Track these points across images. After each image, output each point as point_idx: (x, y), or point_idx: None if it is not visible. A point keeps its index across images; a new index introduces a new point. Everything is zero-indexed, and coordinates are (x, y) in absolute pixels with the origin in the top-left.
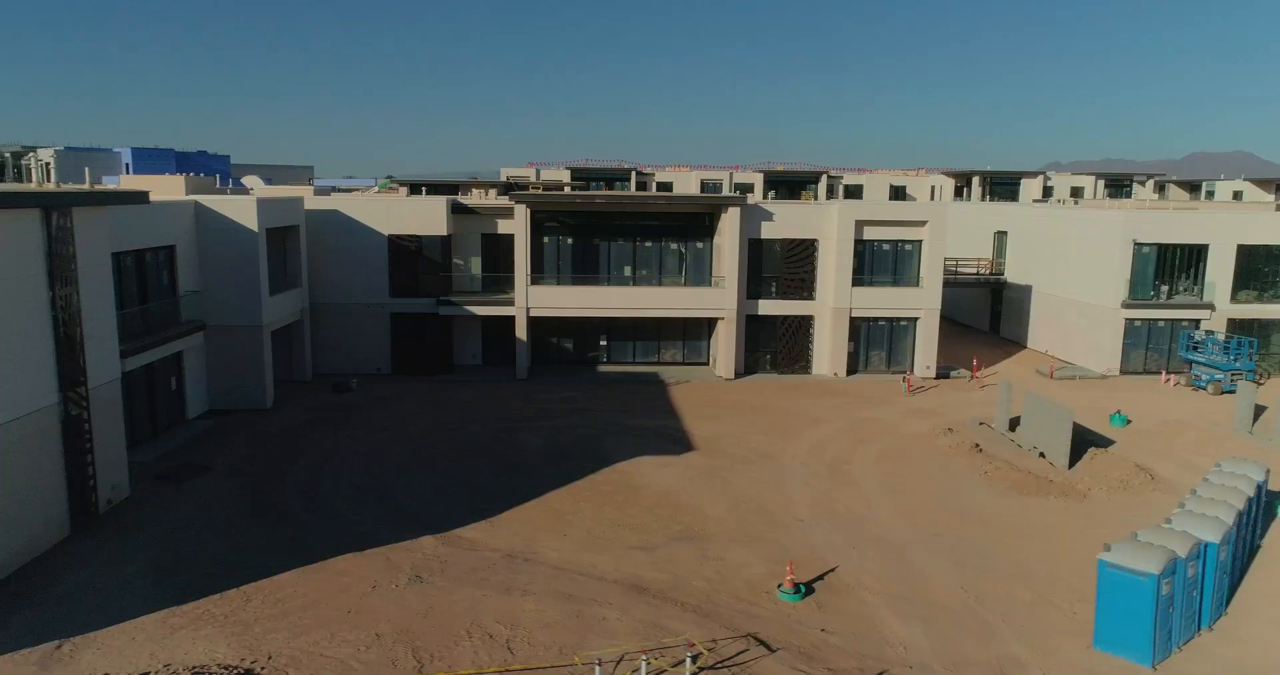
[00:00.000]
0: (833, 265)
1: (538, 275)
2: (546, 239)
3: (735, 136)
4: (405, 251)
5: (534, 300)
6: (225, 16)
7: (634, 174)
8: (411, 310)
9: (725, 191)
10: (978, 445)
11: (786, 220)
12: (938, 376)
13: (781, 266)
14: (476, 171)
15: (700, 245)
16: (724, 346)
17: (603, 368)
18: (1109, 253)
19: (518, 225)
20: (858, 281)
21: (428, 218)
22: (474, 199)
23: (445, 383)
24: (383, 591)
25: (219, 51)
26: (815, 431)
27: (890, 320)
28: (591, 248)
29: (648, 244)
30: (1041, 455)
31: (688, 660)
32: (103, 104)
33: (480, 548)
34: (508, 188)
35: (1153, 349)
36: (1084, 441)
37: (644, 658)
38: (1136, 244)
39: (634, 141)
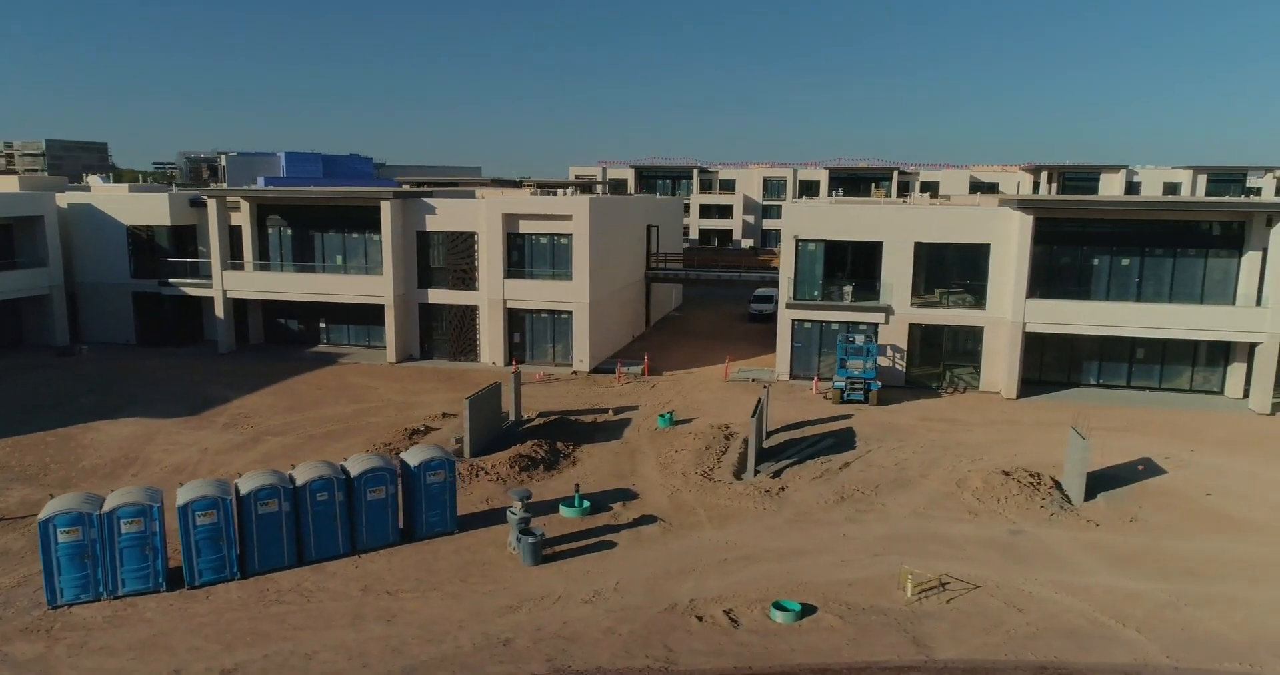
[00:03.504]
0: (487, 257)
1: (263, 262)
2: (271, 229)
3: (813, 134)
4: (140, 239)
5: (230, 284)
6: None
7: (696, 172)
8: (143, 290)
9: (789, 189)
10: (421, 429)
11: (447, 214)
12: (593, 371)
13: (446, 258)
14: (554, 171)
15: None
16: (388, 331)
17: (316, 348)
18: (787, 251)
19: (210, 216)
20: (515, 274)
21: (155, 210)
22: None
23: (165, 353)
24: None
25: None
26: (326, 410)
27: (552, 313)
28: (308, 238)
29: (354, 235)
30: (457, 441)
31: None
32: (292, 111)
33: None
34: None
35: (828, 354)
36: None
37: None
38: (800, 241)
39: (712, 140)
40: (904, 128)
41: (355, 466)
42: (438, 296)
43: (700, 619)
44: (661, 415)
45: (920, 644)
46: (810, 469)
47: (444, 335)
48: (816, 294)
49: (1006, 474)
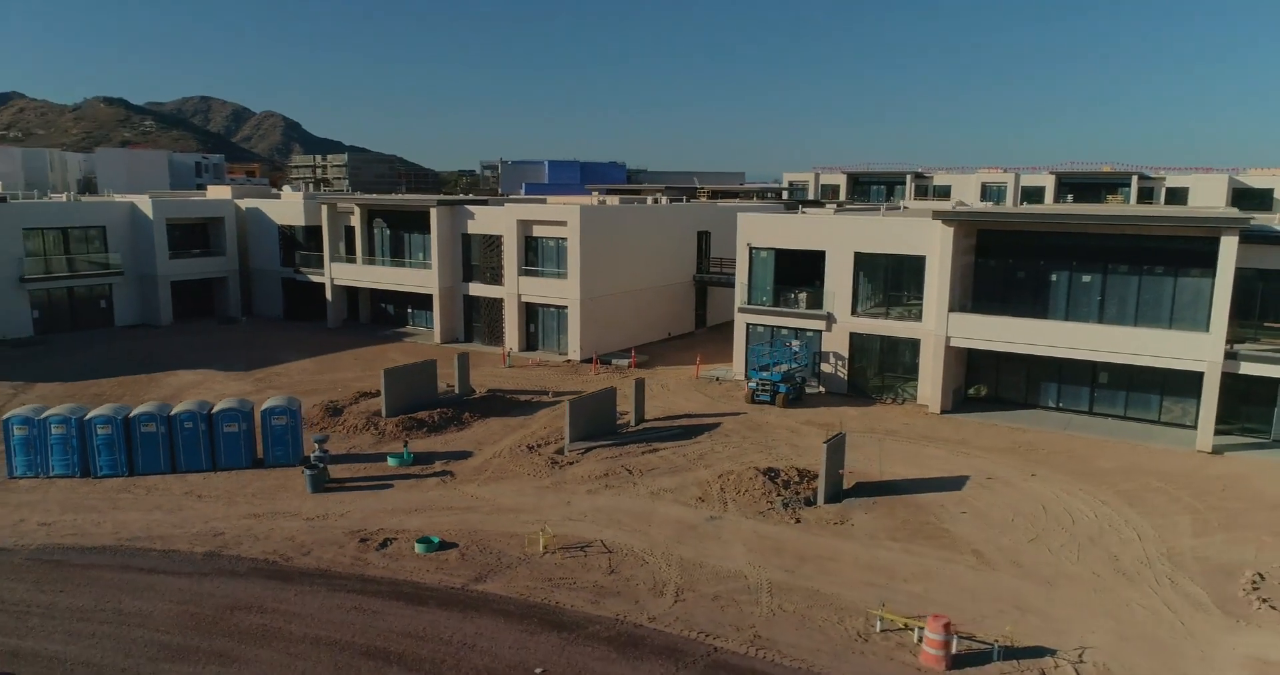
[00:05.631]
0: (509, 257)
1: (370, 257)
2: (375, 230)
3: (1044, 137)
4: (285, 235)
5: (335, 273)
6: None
7: (910, 177)
8: (287, 276)
9: (1009, 196)
10: (371, 392)
11: (482, 219)
12: (583, 361)
13: (481, 257)
14: (774, 174)
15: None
16: (435, 317)
17: (400, 328)
18: (741, 258)
19: (323, 218)
20: (529, 272)
21: (294, 212)
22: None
23: (292, 327)
24: None
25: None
26: (338, 375)
27: (558, 307)
28: (400, 237)
29: (429, 235)
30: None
31: None
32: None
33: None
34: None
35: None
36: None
37: None
38: (753, 248)
39: (943, 145)
40: (1153, 127)
41: (218, 406)
42: (476, 289)
43: (363, 541)
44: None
45: (481, 579)
46: (621, 450)
47: (479, 323)
48: (766, 299)
49: (769, 472)
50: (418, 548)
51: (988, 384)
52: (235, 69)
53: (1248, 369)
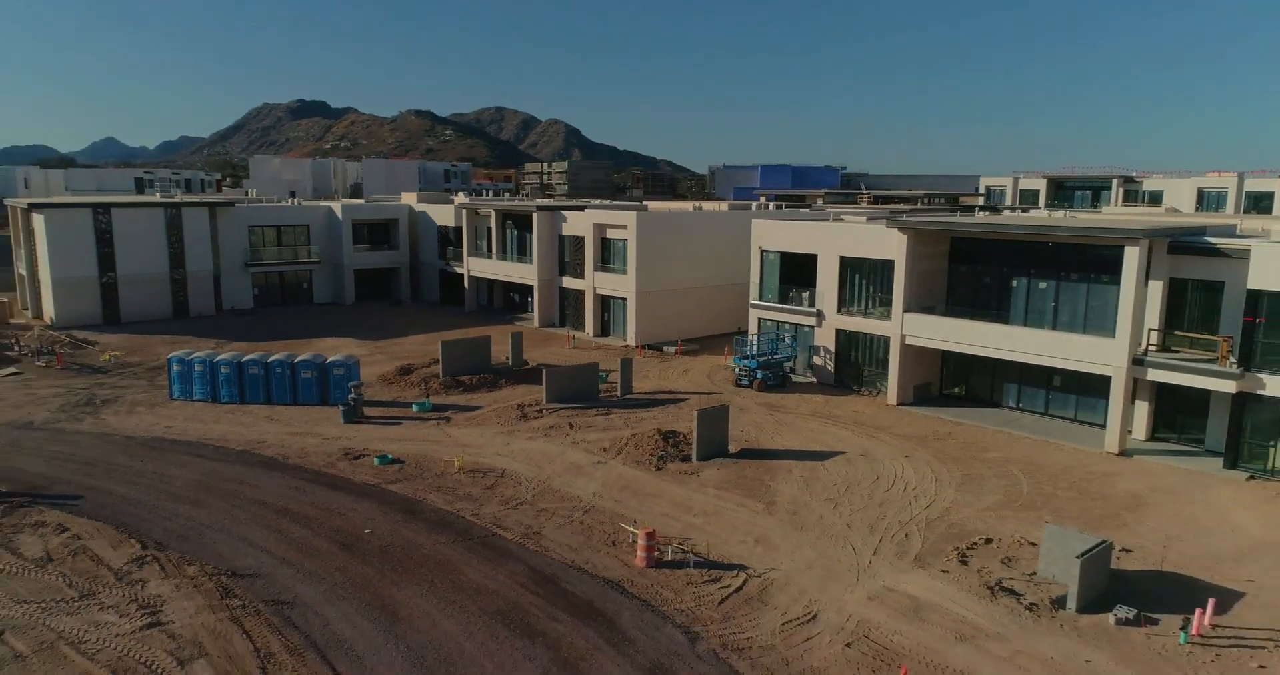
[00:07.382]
0: (588, 255)
1: (502, 254)
2: (507, 229)
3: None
4: (443, 234)
5: (471, 267)
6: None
7: (1117, 182)
8: (441, 268)
9: (1230, 203)
10: (436, 361)
11: (572, 222)
12: (638, 346)
13: (570, 254)
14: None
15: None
16: (535, 304)
17: (518, 314)
18: (754, 259)
19: (463, 221)
20: (602, 268)
21: (448, 215)
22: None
23: (440, 309)
24: (170, 347)
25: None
26: (419, 353)
27: (622, 299)
28: (523, 237)
29: (526, 234)
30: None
31: None
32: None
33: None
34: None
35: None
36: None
37: None
38: (763, 251)
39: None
40: None
41: (298, 358)
42: (568, 283)
43: (346, 454)
44: (600, 374)
45: (394, 482)
46: (581, 412)
47: (569, 311)
48: (772, 297)
49: (669, 433)
50: (375, 461)
51: (963, 383)
52: (527, 81)
53: (1154, 375)
